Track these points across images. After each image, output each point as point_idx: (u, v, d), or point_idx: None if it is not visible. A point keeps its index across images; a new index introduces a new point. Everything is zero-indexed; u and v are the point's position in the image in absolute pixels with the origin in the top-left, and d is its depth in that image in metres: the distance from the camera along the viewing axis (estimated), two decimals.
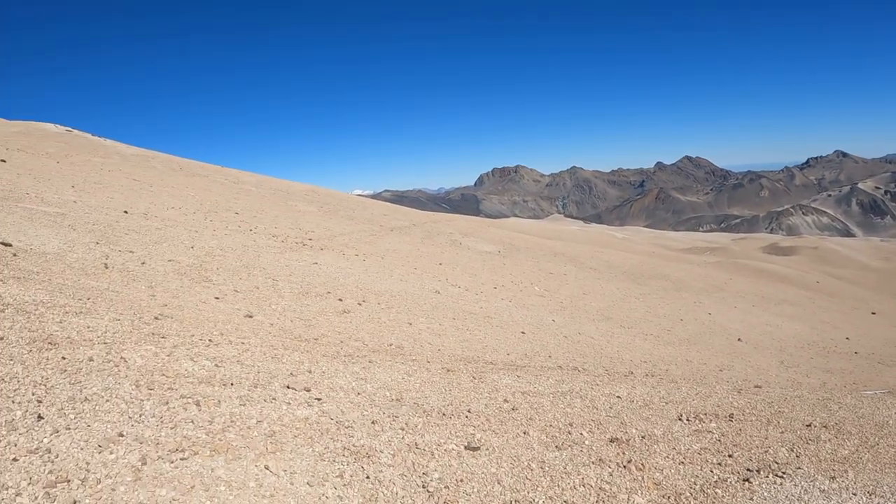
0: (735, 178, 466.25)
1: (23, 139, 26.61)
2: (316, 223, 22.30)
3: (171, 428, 3.94)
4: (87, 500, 3.01)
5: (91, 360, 4.84)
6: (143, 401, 4.25)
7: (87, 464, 3.30)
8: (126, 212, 14.68)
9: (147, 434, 3.78)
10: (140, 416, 4.01)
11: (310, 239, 18.24)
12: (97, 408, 3.96)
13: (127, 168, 24.63)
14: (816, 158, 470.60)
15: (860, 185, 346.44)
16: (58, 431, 3.55)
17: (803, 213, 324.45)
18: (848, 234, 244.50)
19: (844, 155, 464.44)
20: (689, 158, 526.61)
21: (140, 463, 3.43)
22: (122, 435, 3.68)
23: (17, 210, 11.59)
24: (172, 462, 3.53)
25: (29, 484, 3.02)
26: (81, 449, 3.43)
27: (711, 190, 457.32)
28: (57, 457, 3.30)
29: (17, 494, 2.92)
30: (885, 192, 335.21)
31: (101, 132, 36.85)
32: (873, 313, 27.88)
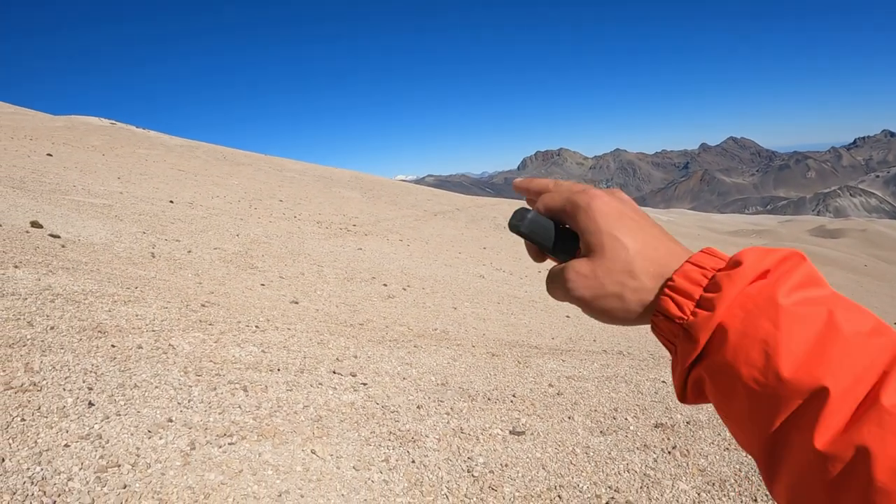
0: (781, 158, 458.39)
1: (67, 133, 27.02)
2: (360, 209, 22.39)
3: (219, 413, 3.98)
4: (138, 485, 3.05)
5: (140, 347, 4.91)
6: (191, 387, 4.30)
7: (137, 449, 3.35)
8: (171, 201, 14.86)
9: (195, 419, 3.82)
10: (188, 401, 4.05)
11: (354, 225, 18.33)
12: (146, 394, 4.02)
13: (171, 159, 24.92)
14: (864, 138, 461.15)
15: None
16: (108, 418, 3.60)
17: (851, 194, 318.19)
18: None
19: (892, 135, 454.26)
20: (733, 139, 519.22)
21: (189, 448, 3.47)
22: (171, 420, 3.73)
23: (64, 202, 11.78)
24: (220, 447, 3.57)
25: (80, 469, 3.06)
26: (131, 434, 3.47)
27: (757, 171, 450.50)
28: (108, 442, 3.35)
29: (69, 479, 2.97)
30: None
31: (144, 124, 37.39)
32: None
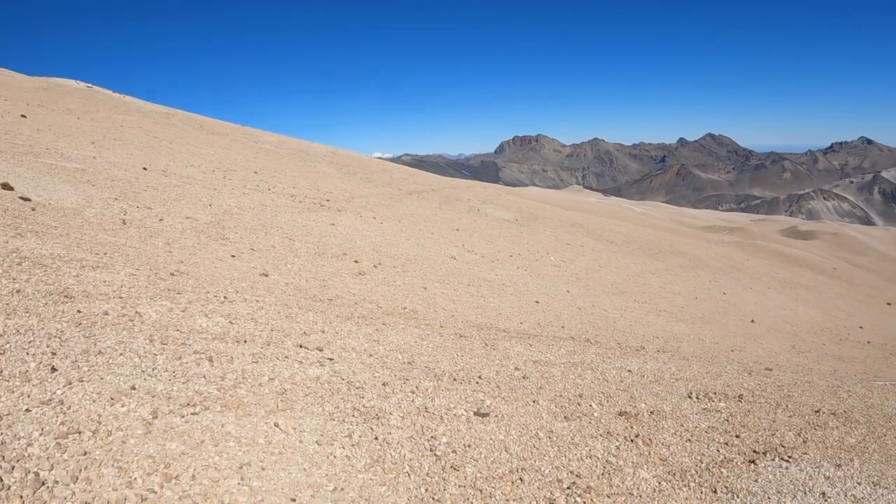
0: (757, 158, 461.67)
1: (44, 95, 26.65)
2: (334, 185, 22.31)
3: (184, 383, 3.97)
4: (98, 452, 3.03)
5: (106, 314, 4.87)
6: (156, 355, 4.28)
7: (99, 416, 3.32)
8: (145, 168, 14.72)
9: (159, 388, 3.81)
10: (153, 370, 4.03)
11: (328, 200, 18.26)
12: (110, 361, 3.99)
13: (147, 125, 24.66)
14: (841, 144, 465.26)
15: (883, 174, 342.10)
16: (71, 383, 3.58)
17: (824, 197, 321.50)
18: (868, 222, 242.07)
19: (869, 142, 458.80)
20: (712, 136, 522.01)
21: (151, 416, 3.45)
22: (134, 388, 3.71)
23: (36, 165, 11.63)
24: (183, 416, 3.56)
25: (41, 434, 3.04)
26: (93, 401, 3.45)
27: (733, 169, 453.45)
28: (69, 408, 3.32)
29: (29, 445, 2.94)
30: None
31: (122, 89, 36.98)
32: (889, 304, 27.70)
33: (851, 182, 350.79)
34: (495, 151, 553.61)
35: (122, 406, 3.48)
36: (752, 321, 16.30)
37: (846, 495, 3.98)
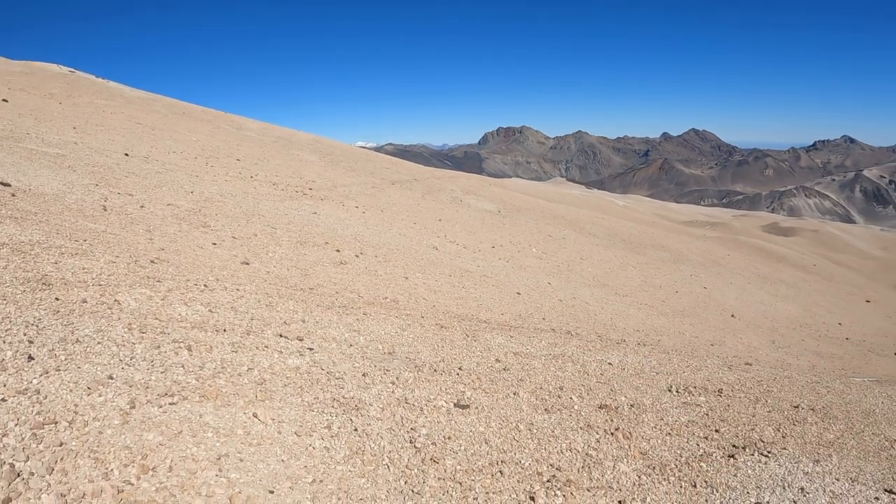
0: (740, 154, 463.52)
1: (25, 79, 26.40)
2: (317, 173, 22.23)
3: (162, 372, 3.94)
4: (74, 443, 3.00)
5: (85, 301, 4.83)
6: (134, 344, 4.24)
7: (76, 406, 3.30)
8: (127, 154, 14.62)
9: (137, 377, 3.78)
10: (131, 359, 4.00)
11: (310, 189, 18.20)
12: (88, 350, 3.96)
13: (130, 111, 24.47)
14: (824, 142, 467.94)
15: (865, 173, 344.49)
16: (47, 373, 3.54)
17: (806, 195, 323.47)
18: (849, 220, 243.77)
19: (852, 141, 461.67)
20: (695, 131, 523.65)
21: (128, 406, 3.43)
22: (111, 378, 3.68)
23: (17, 150, 11.52)
24: (161, 406, 3.53)
25: (16, 424, 3.01)
26: (70, 391, 3.42)
27: (716, 164, 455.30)
28: (46, 398, 3.29)
29: (4, 435, 2.91)
30: (890, 181, 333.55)
31: (105, 74, 36.60)
32: (868, 301, 27.93)
33: (833, 180, 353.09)
34: (479, 142, 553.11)
35: (100, 396, 3.45)
36: (733, 316, 16.39)
37: (824, 491, 4.01)
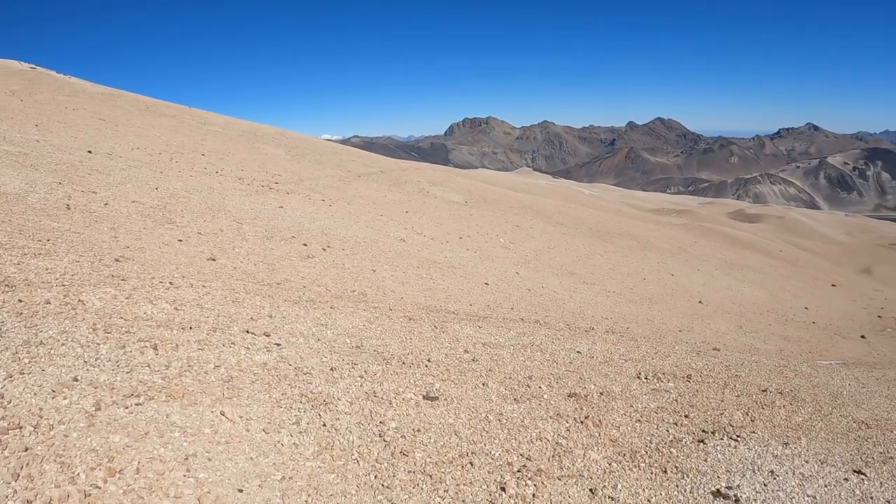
0: (706, 142, 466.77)
1: None
2: (283, 167, 22.10)
3: (127, 372, 3.91)
4: (40, 447, 2.98)
5: (48, 302, 4.78)
6: (99, 344, 4.21)
7: (40, 409, 3.27)
8: (90, 151, 14.43)
9: (102, 379, 3.75)
10: (96, 360, 3.97)
11: (276, 183, 18.09)
12: (52, 352, 3.92)
13: (93, 107, 24.14)
14: (788, 130, 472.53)
15: (829, 160, 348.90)
16: (11, 376, 3.50)
17: (771, 182, 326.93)
18: (814, 206, 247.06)
19: (816, 128, 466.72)
20: (661, 120, 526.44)
21: (94, 408, 3.40)
22: (76, 380, 3.65)
23: None
24: (127, 407, 3.51)
25: None
26: (35, 394, 3.39)
27: (682, 153, 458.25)
28: (9, 402, 3.26)
29: None
30: (854, 167, 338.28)
31: (66, 70, 36.00)
32: (833, 285, 28.32)
33: (798, 167, 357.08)
34: (445, 133, 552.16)
35: (64, 398, 3.42)
36: (700, 302, 16.56)
37: (794, 473, 4.08)
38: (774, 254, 37.26)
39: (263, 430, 3.69)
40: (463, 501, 3.47)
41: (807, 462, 4.25)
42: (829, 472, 4.14)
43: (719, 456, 4.25)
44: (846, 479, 4.06)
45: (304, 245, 11.08)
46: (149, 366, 4.09)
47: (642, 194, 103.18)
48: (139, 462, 3.08)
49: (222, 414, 3.72)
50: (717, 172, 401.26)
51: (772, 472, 4.06)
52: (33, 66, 34.23)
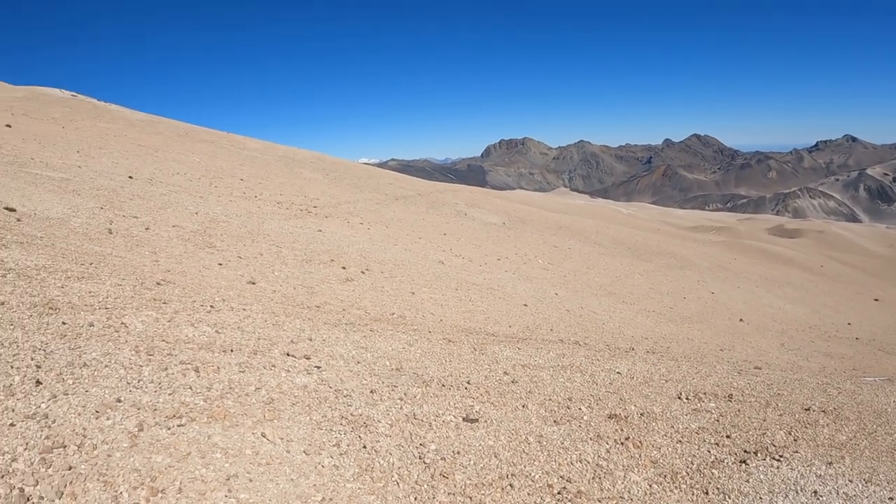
0: (743, 157, 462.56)
1: (27, 104, 26.58)
2: (321, 191, 22.27)
3: (170, 394, 3.94)
4: (83, 466, 3.01)
5: (91, 325, 4.84)
6: (141, 367, 4.25)
7: (84, 429, 3.30)
8: (131, 177, 14.67)
9: (145, 400, 3.78)
10: (138, 381, 4.01)
11: (314, 206, 18.23)
12: (96, 373, 3.96)
13: (132, 133, 24.57)
14: (826, 142, 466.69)
15: (868, 171, 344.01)
16: (55, 397, 3.55)
17: (810, 196, 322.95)
18: (854, 219, 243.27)
19: (854, 140, 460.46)
20: (697, 136, 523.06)
21: (137, 429, 3.43)
22: (119, 401, 3.68)
23: (21, 175, 11.57)
24: (169, 429, 3.53)
25: (25, 449, 3.02)
26: (79, 414, 3.43)
27: (719, 169, 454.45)
28: (54, 422, 3.30)
29: (14, 460, 2.92)
30: (894, 178, 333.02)
31: (106, 98, 36.73)
32: (876, 300, 27.83)
33: (837, 180, 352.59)
34: (482, 155, 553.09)
35: (108, 419, 3.45)
36: (741, 320, 16.34)
37: (838, 493, 3.99)
38: (815, 269, 36.75)
39: (304, 452, 3.70)
40: None
41: (851, 482, 4.16)
42: (874, 491, 4.05)
43: (762, 476, 4.17)
44: (891, 499, 3.96)
45: (343, 268, 11.12)
46: (191, 388, 4.12)
47: (680, 212, 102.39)
48: (181, 482, 3.10)
49: (263, 435, 3.73)
50: (755, 188, 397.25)
51: (815, 492, 3.98)
52: (74, 93, 34.96)
